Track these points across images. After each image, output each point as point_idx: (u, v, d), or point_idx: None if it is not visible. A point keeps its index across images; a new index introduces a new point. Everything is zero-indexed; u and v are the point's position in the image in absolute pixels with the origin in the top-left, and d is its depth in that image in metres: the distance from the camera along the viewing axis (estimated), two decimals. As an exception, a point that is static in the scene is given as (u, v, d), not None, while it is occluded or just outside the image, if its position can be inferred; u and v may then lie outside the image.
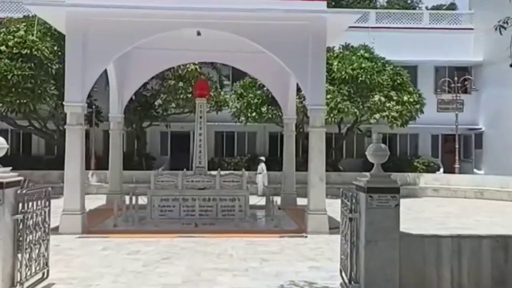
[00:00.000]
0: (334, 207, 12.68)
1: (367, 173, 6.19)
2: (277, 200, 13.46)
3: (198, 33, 12.64)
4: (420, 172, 21.83)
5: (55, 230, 10.52)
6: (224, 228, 11.16)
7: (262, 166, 19.23)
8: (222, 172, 13.06)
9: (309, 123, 10.99)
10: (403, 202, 18.69)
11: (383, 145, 6.18)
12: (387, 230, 5.74)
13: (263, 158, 19.65)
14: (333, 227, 11.05)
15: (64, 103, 10.62)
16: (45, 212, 6.61)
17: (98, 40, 10.53)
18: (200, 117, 13.04)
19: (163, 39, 13.62)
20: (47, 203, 6.65)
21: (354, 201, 6.05)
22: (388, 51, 20.63)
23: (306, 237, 10.35)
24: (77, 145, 10.53)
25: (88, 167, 21.09)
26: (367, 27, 23.23)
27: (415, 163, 22.52)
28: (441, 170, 22.93)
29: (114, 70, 13.81)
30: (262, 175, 19.02)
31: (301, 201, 15.26)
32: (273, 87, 15.24)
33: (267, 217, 12.70)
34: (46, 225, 6.67)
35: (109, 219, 11.93)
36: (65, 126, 10.61)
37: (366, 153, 6.25)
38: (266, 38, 10.79)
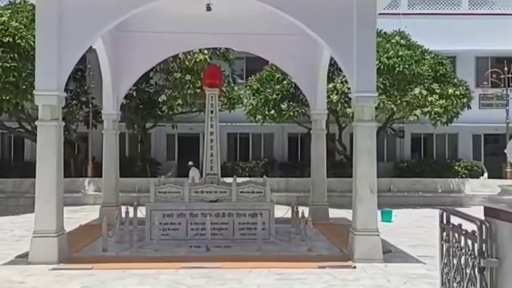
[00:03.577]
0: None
1: (507, 186, 3.57)
2: (305, 211, 10.85)
3: (208, 8, 10.15)
4: (462, 177, 19.10)
5: (24, 258, 8.09)
6: (244, 254, 8.63)
7: (193, 174, 15.25)
8: (239, 180, 10.53)
9: (351, 117, 8.44)
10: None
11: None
12: (560, 292, 3.12)
13: (191, 163, 16.07)
14: (386, 251, 8.48)
15: (34, 92, 8.18)
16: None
17: (78, 8, 8.08)
18: (212, 112, 10.51)
19: (164, 20, 11.32)
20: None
21: (487, 237, 3.44)
22: (422, 41, 17.90)
23: (354, 267, 7.74)
24: (52, 146, 8.06)
25: (85, 174, 18.85)
26: (398, 14, 20.56)
27: (456, 167, 19.78)
28: (485, 175, 20.13)
29: (107, 56, 11.40)
30: None
31: (332, 213, 12.77)
32: (298, 76, 12.67)
33: (295, 235, 10.10)
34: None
35: (99, 240, 9.42)
36: (36, 122, 8.17)
37: (507, 150, 3.62)
38: (296, 5, 8.23)
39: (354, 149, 8.39)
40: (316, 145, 12.51)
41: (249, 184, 10.03)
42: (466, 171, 19.62)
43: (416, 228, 12.11)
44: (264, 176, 11.40)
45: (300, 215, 10.33)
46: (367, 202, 8.13)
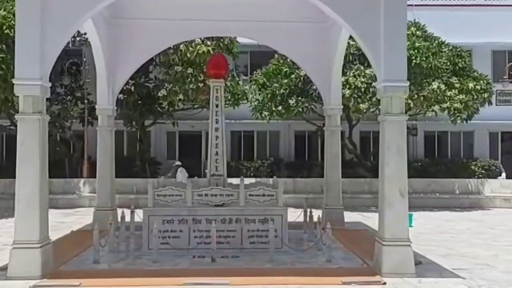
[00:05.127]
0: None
1: None
2: (318, 215, 9.83)
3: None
4: (479, 177, 18.05)
5: (4, 271, 7.04)
6: (254, 266, 7.59)
7: (180, 173, 14.57)
8: (247, 181, 9.48)
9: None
10: (473, 216, 14.43)
11: None
12: None
13: (179, 162, 15.38)
14: (416, 263, 7.42)
15: (14, 81, 7.15)
16: None
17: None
18: (217, 106, 9.45)
19: (163, 5, 10.37)
20: None
21: None
22: (435, 33, 16.87)
23: (384, 283, 6.68)
24: (35, 142, 7.01)
25: (80, 175, 17.82)
26: (411, 5, 19.44)
27: (472, 167, 18.73)
28: (503, 175, 19.07)
29: (100, 45, 10.35)
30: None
31: (345, 217, 11.72)
32: (310, 68, 11.62)
33: (310, 243, 9.07)
34: None
35: (91, 249, 8.36)
36: (16, 116, 7.14)
37: None
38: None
39: (380, 147, 7.34)
40: (330, 143, 11.47)
41: (258, 186, 8.96)
42: (483, 171, 18.58)
43: (440, 234, 11.09)
44: (274, 176, 10.37)
45: (316, 220, 9.30)
46: (396, 206, 7.08)
